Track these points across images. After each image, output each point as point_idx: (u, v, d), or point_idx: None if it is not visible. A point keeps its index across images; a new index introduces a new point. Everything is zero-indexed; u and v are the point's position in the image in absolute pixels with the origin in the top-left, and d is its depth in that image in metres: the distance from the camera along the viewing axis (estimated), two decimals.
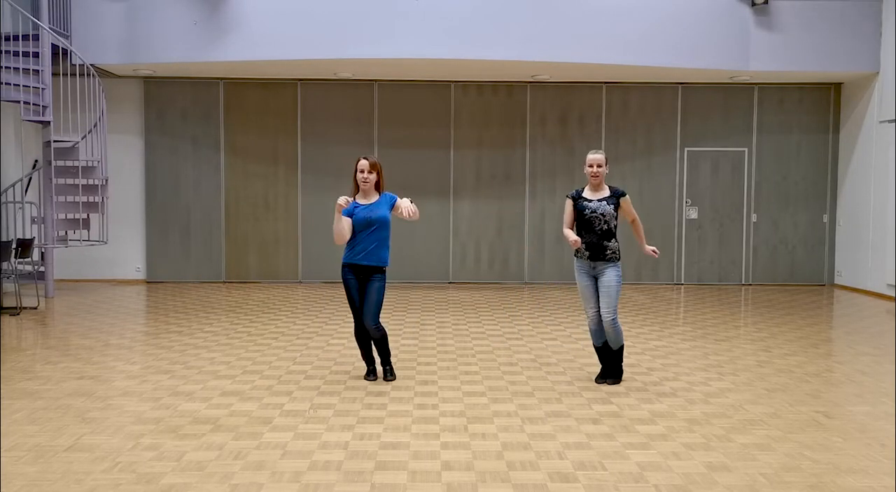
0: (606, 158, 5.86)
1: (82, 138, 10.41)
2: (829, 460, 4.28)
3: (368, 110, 12.10)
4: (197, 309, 9.54)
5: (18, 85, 9.57)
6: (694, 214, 12.32)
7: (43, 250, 10.25)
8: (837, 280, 12.26)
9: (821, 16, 10.90)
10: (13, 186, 10.25)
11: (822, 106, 12.25)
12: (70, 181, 10.19)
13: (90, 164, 10.31)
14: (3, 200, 10.30)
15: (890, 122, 10.84)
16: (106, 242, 10.72)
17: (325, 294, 10.87)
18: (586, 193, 5.86)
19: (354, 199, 5.82)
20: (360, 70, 11.25)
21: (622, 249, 6.01)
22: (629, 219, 5.99)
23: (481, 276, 12.28)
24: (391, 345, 7.33)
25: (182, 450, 4.35)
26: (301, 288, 11.64)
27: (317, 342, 7.49)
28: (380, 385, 5.83)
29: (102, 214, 10.46)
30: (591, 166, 5.78)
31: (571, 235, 5.70)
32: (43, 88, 9.85)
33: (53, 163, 10.06)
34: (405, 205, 5.70)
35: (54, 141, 10.06)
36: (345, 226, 5.70)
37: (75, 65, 10.21)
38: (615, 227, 5.83)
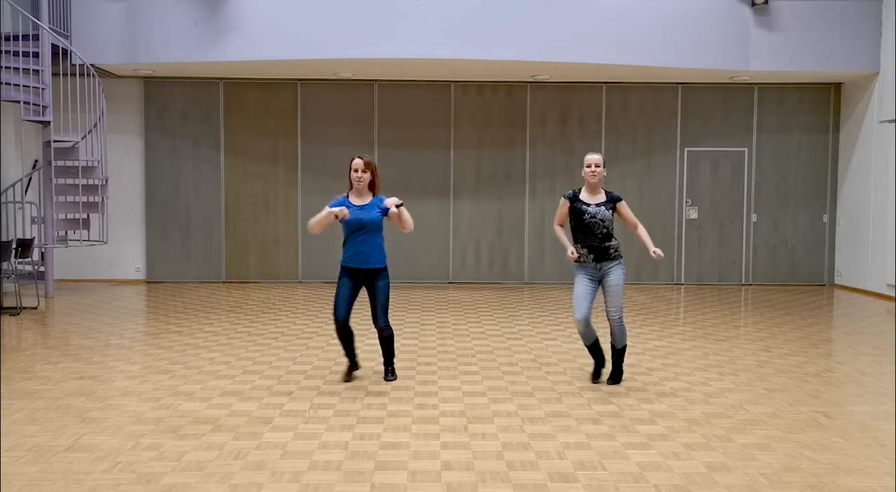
0: (604, 160, 5.82)
1: (82, 138, 10.41)
2: (829, 460, 4.28)
3: (368, 110, 12.11)
4: (197, 309, 9.54)
5: (18, 85, 9.57)
6: (694, 214, 12.32)
7: (43, 250, 10.25)
8: (837, 280, 12.26)
9: (821, 16, 10.90)
10: (13, 186, 10.25)
11: (822, 106, 12.25)
12: (70, 181, 10.19)
13: (90, 164, 10.31)
14: (3, 200, 10.30)
15: (890, 122, 10.84)
16: (106, 242, 10.72)
17: (325, 294, 10.87)
18: (583, 196, 5.79)
19: (348, 197, 5.80)
20: (360, 70, 11.25)
21: (623, 252, 5.97)
22: (631, 226, 5.89)
23: (481, 276, 12.28)
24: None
25: (182, 450, 4.35)
26: (301, 288, 11.64)
27: (317, 342, 7.50)
28: (380, 385, 5.83)
29: (102, 214, 10.46)
30: (589, 166, 5.73)
31: (569, 247, 5.70)
32: (43, 88, 9.85)
33: (53, 163, 10.06)
34: (394, 210, 5.64)
35: (54, 141, 10.06)
36: (325, 225, 5.66)
37: (75, 65, 10.21)
38: (613, 229, 5.78)
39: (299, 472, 4.03)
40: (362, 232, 5.68)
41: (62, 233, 10.41)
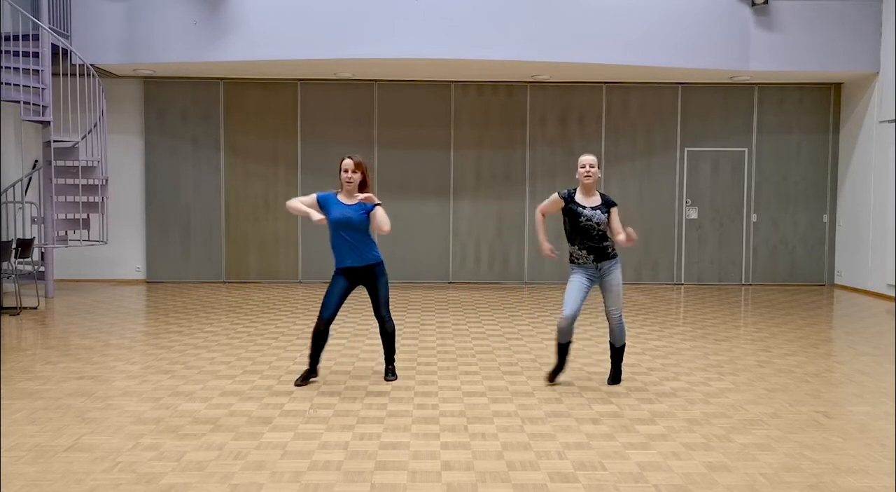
0: (598, 161, 5.77)
1: (82, 138, 10.41)
2: (829, 460, 4.28)
3: (368, 110, 12.11)
4: (197, 309, 9.54)
5: (18, 85, 9.57)
6: (694, 214, 12.32)
7: (43, 250, 10.25)
8: (837, 280, 12.26)
9: (821, 16, 10.90)
10: (13, 186, 10.25)
11: (822, 106, 12.26)
12: (70, 181, 10.19)
13: (90, 164, 10.31)
14: (3, 200, 10.30)
15: (890, 122, 10.84)
16: (106, 242, 10.72)
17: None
18: (578, 197, 5.71)
19: (337, 194, 5.78)
20: (360, 70, 11.26)
21: (619, 251, 5.92)
22: (615, 233, 5.70)
23: (481, 276, 12.28)
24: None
25: (182, 450, 4.35)
26: (301, 288, 11.64)
27: None
28: (380, 385, 5.83)
29: (102, 214, 10.46)
30: (583, 167, 5.67)
31: (545, 244, 5.71)
32: (43, 88, 9.85)
33: (53, 163, 10.06)
34: (380, 215, 5.62)
35: (54, 141, 10.06)
36: (300, 211, 5.65)
37: (75, 65, 10.21)
38: (607, 230, 5.72)
39: (299, 472, 4.03)
40: (348, 231, 5.63)
41: (62, 233, 10.41)
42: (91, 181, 10.31)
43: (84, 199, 10.28)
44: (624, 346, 5.90)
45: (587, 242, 5.64)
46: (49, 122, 9.97)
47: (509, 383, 5.92)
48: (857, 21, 10.93)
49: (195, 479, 3.93)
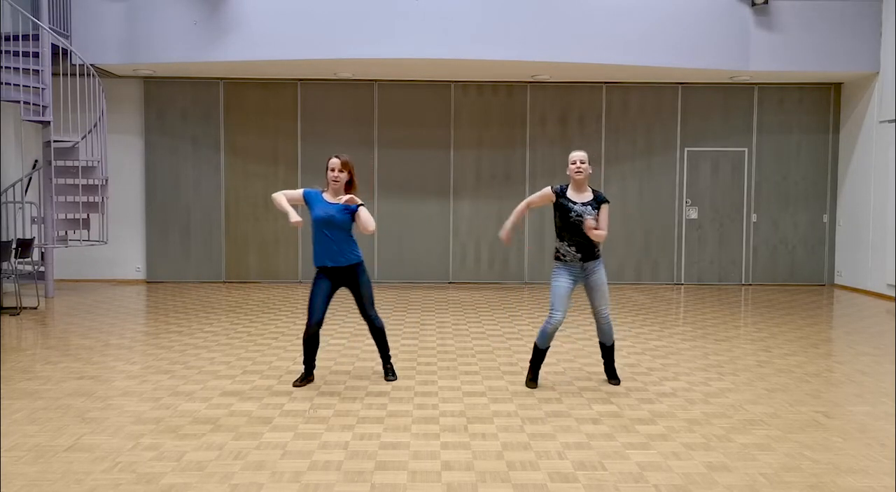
0: (588, 158, 5.70)
1: (82, 138, 10.41)
2: (829, 460, 4.28)
3: (368, 110, 12.11)
4: (197, 309, 9.54)
5: (18, 85, 9.57)
6: (694, 214, 12.32)
7: (43, 250, 10.25)
8: (837, 280, 12.26)
9: (821, 16, 10.90)
10: (13, 186, 10.25)
11: (822, 106, 12.26)
12: (70, 181, 10.19)
13: (90, 164, 10.31)
14: (3, 200, 10.30)
15: (890, 122, 10.84)
16: (106, 242, 10.73)
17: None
18: (570, 194, 5.66)
19: (322, 192, 5.77)
20: (360, 70, 11.26)
21: (602, 251, 5.89)
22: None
23: (481, 276, 12.28)
24: (390, 345, 7.34)
25: (182, 450, 4.35)
26: (301, 288, 11.64)
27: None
28: (380, 385, 5.83)
29: (102, 214, 10.46)
30: (574, 163, 5.62)
31: (508, 228, 5.73)
32: (43, 88, 9.85)
33: (53, 163, 10.06)
34: (364, 216, 5.61)
35: (54, 141, 10.06)
36: (282, 207, 5.65)
37: (75, 65, 10.22)
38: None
39: (299, 472, 4.03)
40: (331, 229, 5.62)
41: (62, 233, 10.41)
42: (91, 181, 10.31)
43: (84, 199, 10.28)
44: (614, 343, 5.89)
45: (576, 238, 5.59)
46: (49, 122, 9.97)
47: (509, 383, 5.92)
48: (857, 21, 10.94)
49: (195, 479, 3.93)
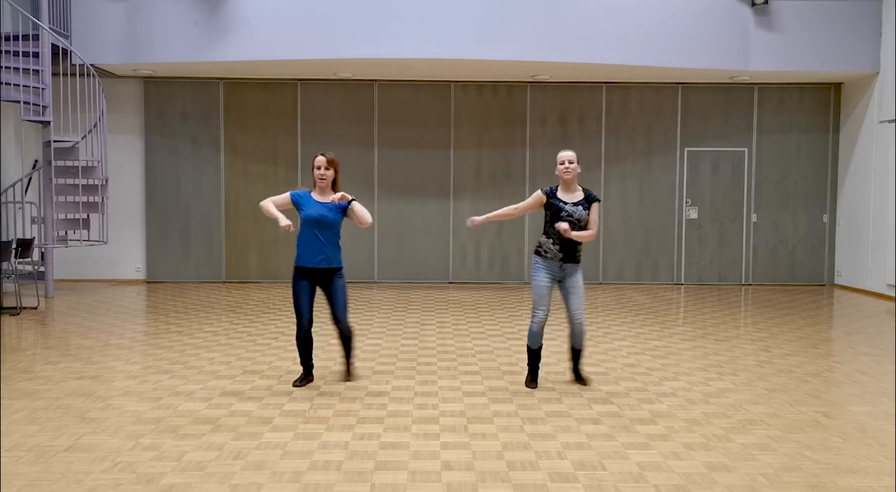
0: (577, 157, 5.66)
1: (82, 138, 10.41)
2: (829, 460, 4.28)
3: (368, 110, 12.11)
4: (197, 309, 9.54)
5: (18, 85, 9.57)
6: (694, 214, 12.32)
7: (43, 250, 10.25)
8: (837, 280, 12.26)
9: (821, 16, 10.90)
10: (13, 186, 10.25)
11: (822, 106, 12.26)
12: (70, 181, 10.19)
13: (90, 164, 10.31)
14: (3, 200, 10.30)
15: (890, 122, 10.84)
16: (106, 242, 10.73)
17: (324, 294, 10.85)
18: (560, 194, 5.64)
19: (310, 192, 5.76)
20: (360, 70, 11.26)
21: (587, 254, 5.87)
22: (589, 229, 5.62)
23: (481, 276, 12.28)
24: (390, 345, 7.34)
25: (182, 450, 4.35)
26: None
27: (317, 342, 7.46)
28: (380, 385, 5.83)
29: (102, 214, 10.46)
30: (562, 163, 5.60)
31: (482, 217, 5.73)
32: (43, 88, 9.85)
33: (53, 163, 10.06)
34: (358, 209, 5.61)
35: (54, 141, 10.06)
36: (271, 214, 5.68)
37: (75, 65, 10.21)
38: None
39: (299, 472, 4.03)
40: (321, 229, 5.62)
41: (62, 233, 10.41)
42: (91, 181, 10.31)
43: (84, 199, 10.28)
44: (584, 348, 5.86)
45: (563, 238, 5.56)
46: (49, 122, 9.97)
47: (509, 383, 5.92)
48: (857, 21, 10.93)
49: (195, 479, 3.93)
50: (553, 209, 5.61)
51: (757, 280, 12.39)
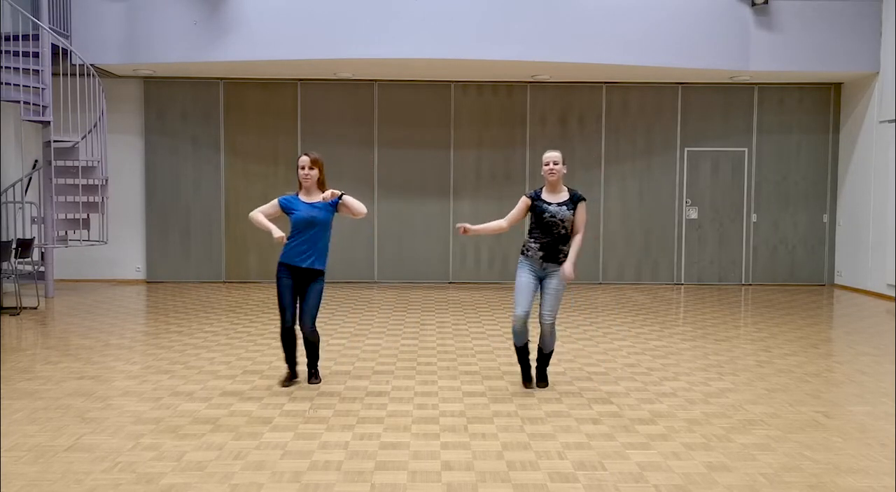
0: (564, 157, 5.64)
1: (82, 138, 10.41)
2: (829, 460, 4.28)
3: (368, 110, 12.11)
4: (197, 309, 9.54)
5: (18, 85, 9.57)
6: (694, 214, 12.32)
7: (43, 250, 10.25)
8: (837, 280, 12.26)
9: (821, 16, 10.90)
10: (13, 186, 10.25)
11: (822, 106, 12.25)
12: (70, 181, 10.19)
13: (90, 164, 10.31)
14: (3, 200, 10.30)
15: (890, 122, 10.84)
16: (106, 242, 10.73)
17: (323, 294, 10.84)
18: (545, 195, 5.63)
19: (297, 195, 5.75)
20: (360, 70, 11.26)
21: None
22: (574, 230, 5.60)
23: (481, 276, 12.28)
24: (390, 345, 7.35)
25: (182, 450, 4.35)
26: None
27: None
28: (380, 385, 5.83)
29: (102, 214, 10.46)
30: (547, 164, 5.58)
31: (473, 226, 5.65)
32: (43, 88, 9.85)
33: (53, 163, 10.06)
34: (350, 201, 5.59)
35: (54, 141, 10.06)
36: (262, 226, 5.66)
37: (75, 65, 10.21)
38: (570, 232, 5.62)
39: (299, 472, 4.03)
40: (312, 230, 5.61)
41: (62, 233, 10.41)
42: (91, 181, 10.31)
43: (84, 199, 10.28)
44: (552, 352, 5.82)
45: (545, 237, 5.54)
46: (49, 122, 9.97)
47: (509, 383, 5.92)
48: (857, 21, 10.93)
49: (195, 479, 3.93)
50: (537, 211, 5.59)
51: (757, 280, 12.39)
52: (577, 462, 4.21)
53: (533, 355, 5.97)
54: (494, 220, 5.95)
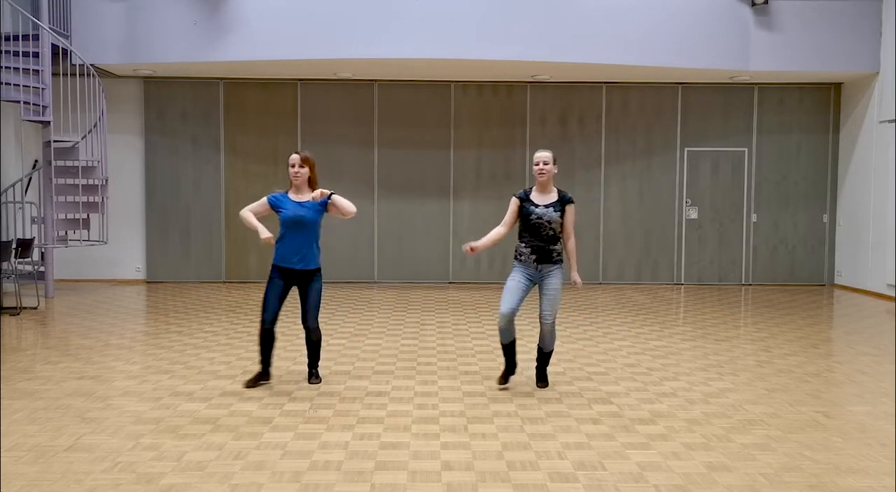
0: (555, 158, 5.60)
1: (82, 138, 10.41)
2: (829, 460, 4.28)
3: (368, 110, 12.11)
4: (197, 309, 9.54)
5: (18, 85, 9.57)
6: (694, 214, 12.32)
7: (43, 250, 10.25)
8: (837, 280, 12.26)
9: (821, 16, 10.90)
10: (13, 186, 10.25)
11: (822, 106, 12.25)
12: (70, 181, 10.19)
13: (90, 164, 10.31)
14: (3, 200, 10.30)
15: (890, 122, 10.84)
16: (106, 242, 10.72)
17: (323, 294, 10.83)
18: (534, 196, 5.62)
19: (287, 193, 5.74)
20: (360, 70, 11.25)
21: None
22: (564, 236, 5.62)
23: (481, 276, 12.28)
24: (390, 345, 7.35)
25: (182, 450, 4.35)
26: None
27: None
28: (379, 385, 5.83)
29: (102, 214, 10.46)
30: (537, 164, 5.56)
31: (478, 242, 5.56)
32: (43, 88, 9.85)
33: (53, 163, 10.06)
34: (339, 201, 5.58)
35: (54, 141, 10.06)
36: (251, 225, 5.62)
37: (75, 65, 10.21)
38: (560, 232, 5.61)
39: (299, 472, 4.03)
40: (300, 230, 5.60)
41: (62, 233, 10.41)
42: (91, 181, 10.31)
43: (84, 199, 10.28)
44: (552, 352, 5.81)
45: (535, 240, 5.53)
46: (49, 122, 9.97)
47: (509, 383, 5.92)
48: (857, 21, 10.93)
49: (195, 479, 3.93)
50: (524, 212, 5.57)
51: (757, 280, 12.39)
52: (577, 462, 4.21)
53: (532, 355, 5.97)
54: (494, 223, 5.90)
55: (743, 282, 12.39)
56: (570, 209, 5.60)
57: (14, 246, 9.12)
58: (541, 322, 5.66)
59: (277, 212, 5.68)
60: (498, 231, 5.75)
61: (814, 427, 4.89)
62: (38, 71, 9.78)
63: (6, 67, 9.47)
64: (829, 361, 6.88)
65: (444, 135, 12.14)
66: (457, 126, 12.15)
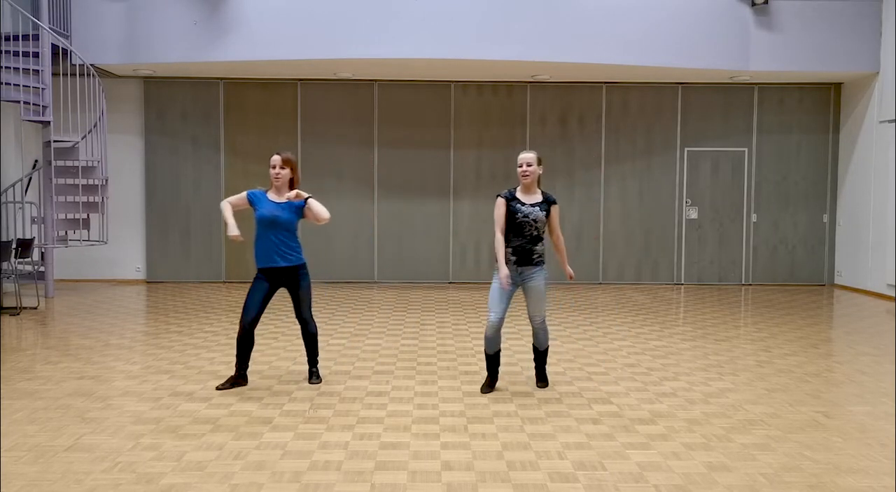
0: (539, 159, 5.56)
1: (82, 138, 10.41)
2: (829, 460, 4.28)
3: (368, 110, 12.11)
4: (197, 309, 9.54)
5: (18, 85, 9.57)
6: (694, 214, 12.32)
7: (43, 250, 10.25)
8: (837, 280, 12.26)
9: (821, 16, 10.90)
10: (13, 186, 10.25)
11: (822, 106, 12.26)
12: (70, 181, 10.19)
13: (90, 164, 10.31)
14: (3, 200, 10.30)
15: (890, 122, 10.84)
16: (106, 242, 10.73)
17: (323, 294, 10.87)
18: (519, 195, 5.58)
19: (266, 192, 5.72)
20: (360, 70, 11.26)
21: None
22: (553, 235, 5.63)
23: (481, 276, 12.28)
24: (390, 345, 7.35)
25: (182, 450, 4.35)
26: None
27: (319, 342, 7.47)
28: (380, 385, 5.83)
29: (102, 214, 10.46)
30: (520, 166, 5.52)
31: (503, 268, 5.40)
32: (43, 88, 9.85)
33: (53, 163, 10.06)
34: (315, 206, 5.56)
35: (54, 141, 10.07)
36: (225, 219, 5.59)
37: (75, 65, 10.22)
38: (544, 232, 5.59)
39: (299, 472, 4.03)
40: (274, 229, 5.58)
41: (62, 233, 10.41)
42: (91, 181, 10.31)
43: (84, 199, 10.28)
44: (547, 349, 5.80)
45: (519, 240, 5.49)
46: (49, 122, 9.97)
47: (509, 384, 5.92)
48: (857, 21, 10.94)
49: (195, 479, 3.93)
50: (510, 212, 5.52)
51: (757, 280, 12.39)
52: (577, 462, 4.21)
53: (532, 355, 5.96)
54: (494, 223, 5.82)
55: (743, 282, 12.39)
56: (555, 209, 5.63)
57: (14, 246, 9.12)
58: (531, 323, 5.67)
59: (254, 209, 5.66)
60: (500, 239, 5.57)
61: (814, 427, 4.89)
62: (38, 71, 9.78)
63: (6, 67, 9.47)
64: (829, 361, 6.89)
65: (444, 135, 12.14)
66: (457, 126, 12.15)
